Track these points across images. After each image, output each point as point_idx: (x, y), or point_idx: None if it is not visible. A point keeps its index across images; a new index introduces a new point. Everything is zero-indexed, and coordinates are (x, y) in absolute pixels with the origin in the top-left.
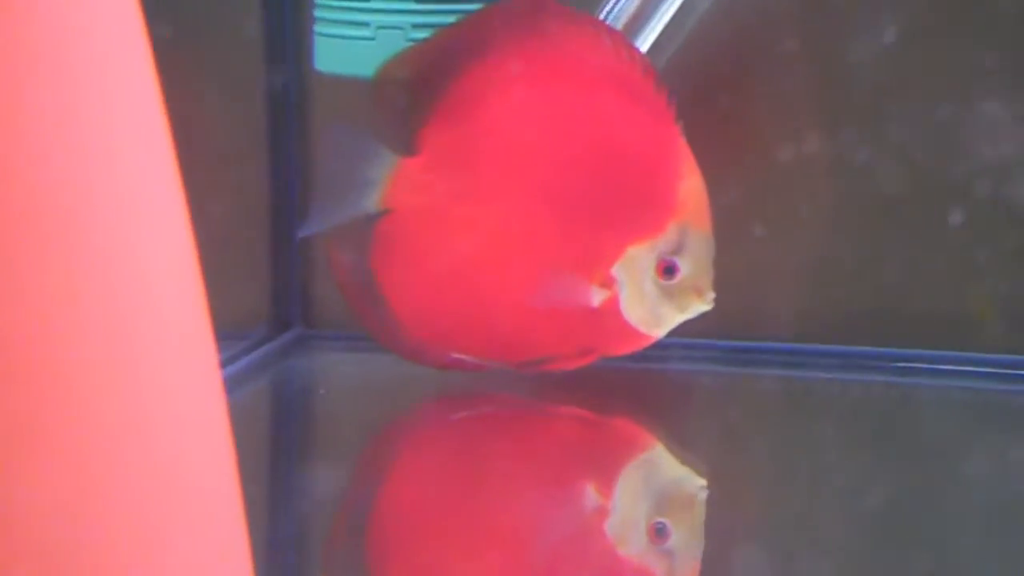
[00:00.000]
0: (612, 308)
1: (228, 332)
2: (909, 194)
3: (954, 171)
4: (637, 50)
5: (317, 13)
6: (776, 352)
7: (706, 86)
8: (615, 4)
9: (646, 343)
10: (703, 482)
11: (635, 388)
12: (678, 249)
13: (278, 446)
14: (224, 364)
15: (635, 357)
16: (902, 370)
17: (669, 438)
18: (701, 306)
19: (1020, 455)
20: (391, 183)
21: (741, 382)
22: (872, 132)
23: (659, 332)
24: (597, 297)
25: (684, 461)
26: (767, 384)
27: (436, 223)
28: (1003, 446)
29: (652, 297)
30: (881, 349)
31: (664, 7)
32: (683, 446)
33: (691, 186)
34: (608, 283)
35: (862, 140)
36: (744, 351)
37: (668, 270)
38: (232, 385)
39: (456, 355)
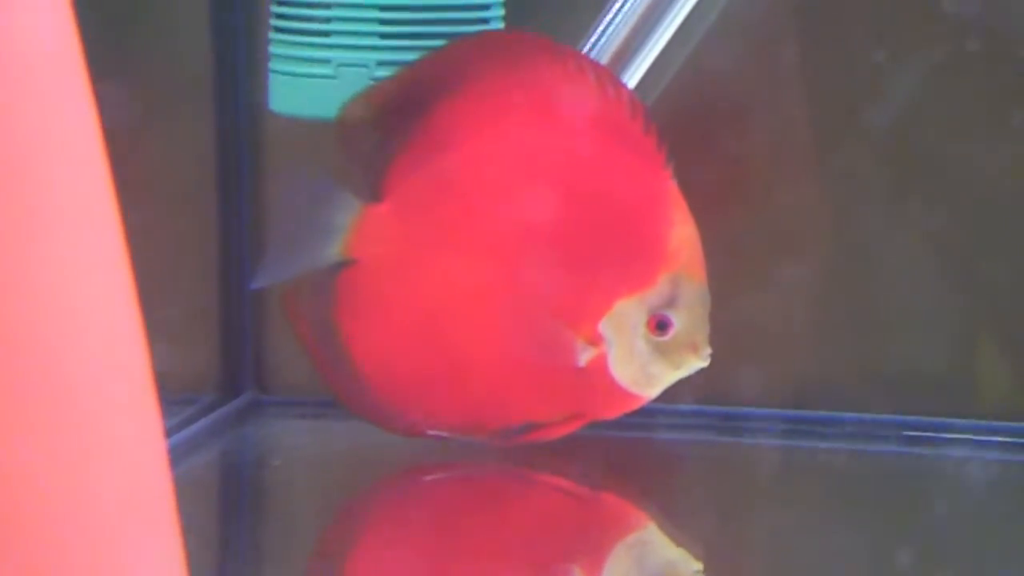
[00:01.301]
0: (600, 368)
1: (174, 397)
2: (916, 252)
3: (962, 229)
4: (624, 86)
5: (272, 49)
6: (775, 420)
7: (698, 128)
8: (600, 37)
9: (637, 404)
10: (699, 565)
11: (622, 458)
12: (671, 302)
13: (229, 522)
14: (169, 432)
15: (621, 424)
16: (912, 439)
17: (660, 514)
18: (697, 363)
19: None
20: (355, 231)
21: (737, 452)
22: (877, 184)
23: (652, 392)
24: (583, 356)
25: (678, 541)
26: (765, 455)
27: (404, 275)
28: (1020, 520)
29: (643, 354)
30: (889, 416)
31: (654, 39)
32: (675, 524)
33: (683, 234)
34: (595, 340)
35: (865, 193)
36: (739, 418)
37: (660, 325)
38: (178, 455)
39: (430, 431)
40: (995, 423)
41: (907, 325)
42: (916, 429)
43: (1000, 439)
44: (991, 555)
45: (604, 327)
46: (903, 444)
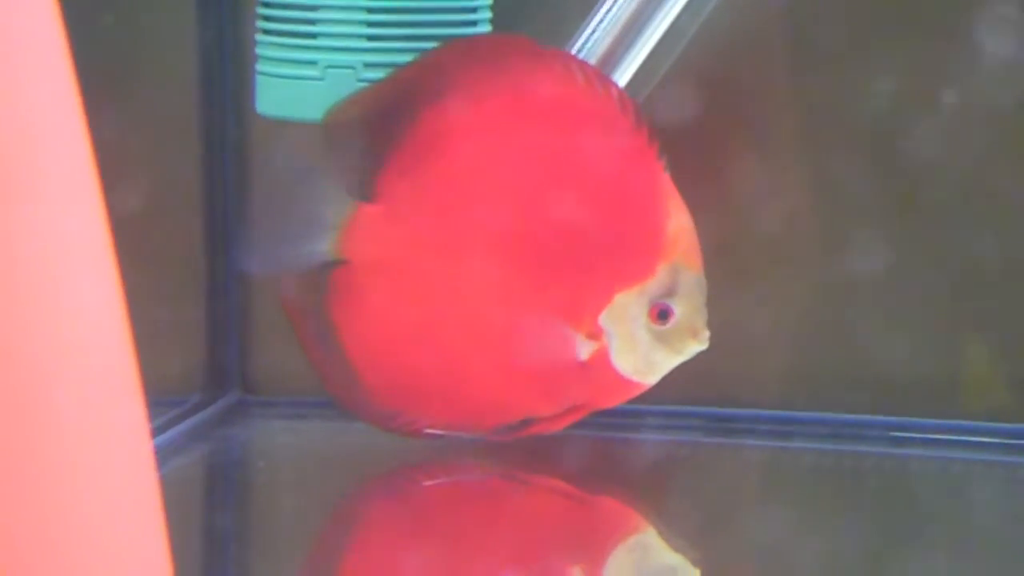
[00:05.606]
0: (601, 359)
1: (158, 397)
2: (903, 252)
3: (949, 232)
4: (613, 84)
5: (259, 51)
6: (762, 420)
7: (689, 129)
8: (588, 38)
9: (639, 391)
10: (697, 572)
11: (613, 459)
12: (670, 292)
13: (215, 523)
14: (155, 433)
15: (611, 425)
16: (899, 440)
17: (656, 517)
18: (697, 347)
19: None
20: (348, 230)
21: (725, 453)
22: (865, 187)
23: (654, 379)
24: (584, 351)
25: (674, 545)
26: (752, 456)
27: (399, 275)
28: (1005, 520)
29: (645, 344)
30: (876, 417)
31: (643, 39)
32: (670, 526)
33: (679, 224)
34: (596, 334)
35: (855, 195)
36: (726, 419)
37: (662, 314)
38: (164, 456)
39: (428, 429)
40: (982, 424)
41: (894, 325)
42: (903, 430)
43: (986, 440)
44: (980, 555)
45: (604, 320)
46: (890, 445)
